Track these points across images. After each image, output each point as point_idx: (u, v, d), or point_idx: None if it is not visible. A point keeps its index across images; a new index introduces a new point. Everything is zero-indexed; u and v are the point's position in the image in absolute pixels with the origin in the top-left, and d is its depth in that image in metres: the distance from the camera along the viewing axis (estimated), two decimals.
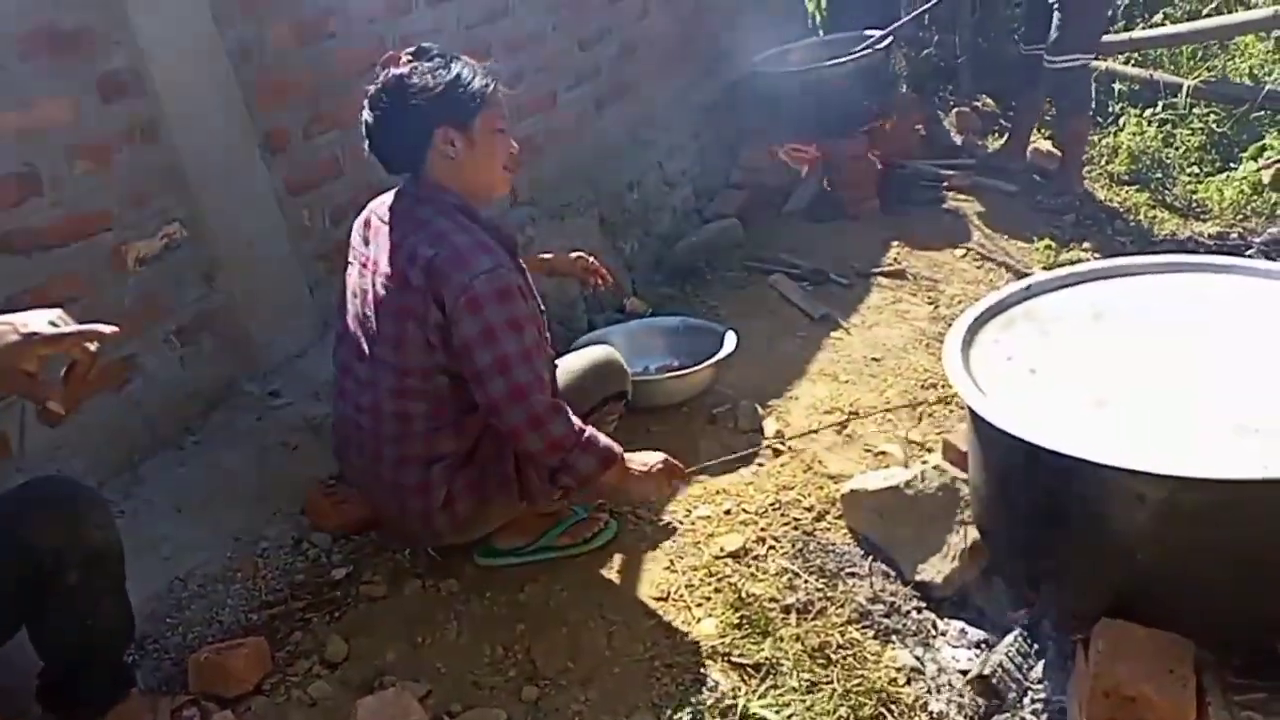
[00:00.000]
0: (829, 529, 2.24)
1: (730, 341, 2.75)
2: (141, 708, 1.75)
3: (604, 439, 1.90)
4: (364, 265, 1.98)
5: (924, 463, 2.29)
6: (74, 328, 1.27)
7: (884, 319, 3.15)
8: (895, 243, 3.64)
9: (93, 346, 1.28)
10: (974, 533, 2.04)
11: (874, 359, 2.93)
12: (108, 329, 1.29)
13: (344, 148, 2.73)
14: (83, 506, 1.56)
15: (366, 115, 1.90)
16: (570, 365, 2.17)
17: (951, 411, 2.65)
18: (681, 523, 2.26)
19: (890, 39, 4.21)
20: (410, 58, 1.89)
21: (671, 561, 2.13)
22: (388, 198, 1.99)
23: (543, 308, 2.03)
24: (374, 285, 1.91)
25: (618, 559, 2.16)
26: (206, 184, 2.33)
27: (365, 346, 1.94)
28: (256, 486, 2.32)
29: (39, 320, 1.25)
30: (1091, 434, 1.64)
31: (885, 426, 2.61)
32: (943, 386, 2.77)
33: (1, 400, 1.99)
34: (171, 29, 2.21)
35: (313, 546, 2.26)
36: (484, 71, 1.90)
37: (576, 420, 1.87)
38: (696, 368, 2.68)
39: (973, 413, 1.77)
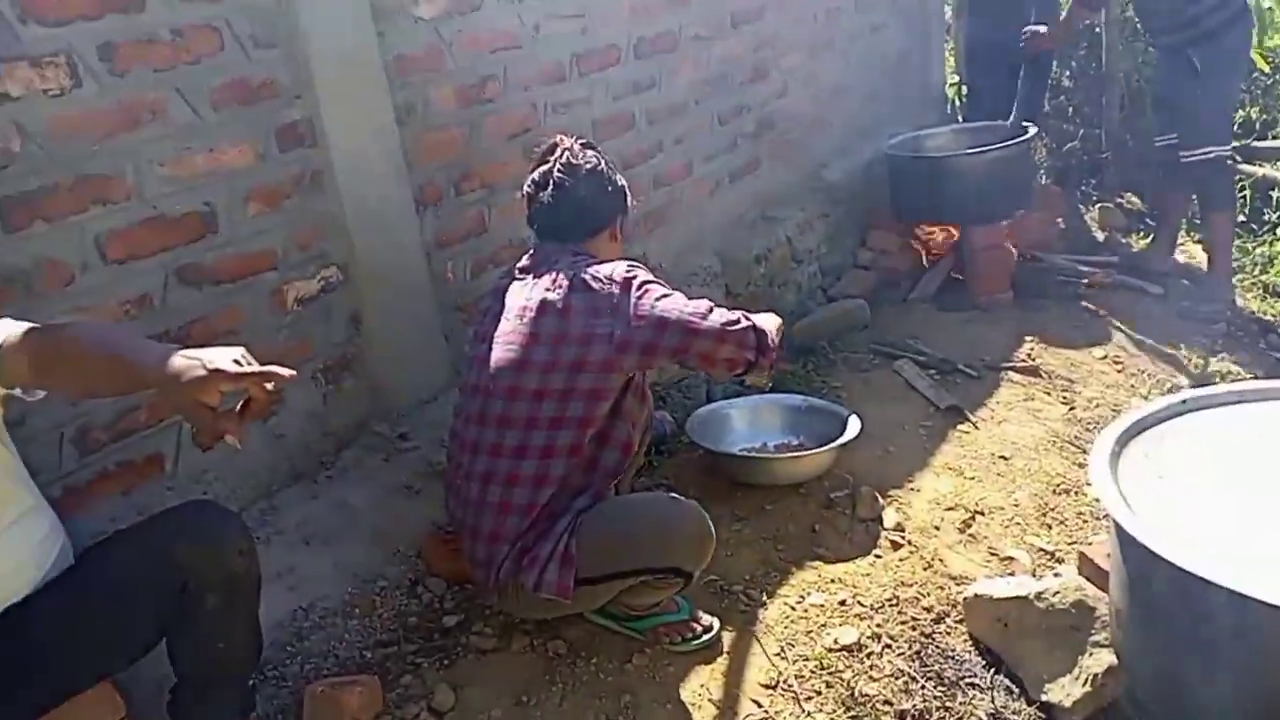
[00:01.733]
0: (949, 633, 2.15)
1: (854, 426, 2.70)
2: None
3: (765, 330, 2.02)
4: (500, 316, 2.07)
5: (1056, 574, 2.18)
6: (255, 368, 1.33)
7: (1015, 416, 3.05)
8: (1029, 338, 3.53)
9: (270, 386, 1.35)
10: (1110, 657, 1.92)
11: (1002, 457, 2.82)
12: (286, 372, 1.35)
13: (489, 205, 2.84)
14: (230, 534, 1.63)
15: (563, 180, 2.09)
16: (647, 510, 2.06)
17: (1085, 522, 2.53)
18: (794, 609, 2.20)
19: (1034, 131, 4.14)
20: (583, 146, 2.15)
21: (782, 649, 2.08)
22: (522, 260, 2.15)
23: None
24: (510, 322, 2.03)
25: (727, 639, 2.12)
26: (363, 232, 2.45)
27: (484, 380, 2.02)
28: (379, 526, 2.38)
29: (224, 358, 1.32)
30: (1253, 565, 1.53)
31: (1012, 529, 2.51)
32: (1076, 494, 2.65)
33: (160, 423, 2.11)
34: (347, 86, 2.35)
35: (427, 591, 2.30)
36: None
37: (742, 317, 2.00)
38: (818, 449, 2.64)
39: (1120, 530, 1.68)
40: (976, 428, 2.98)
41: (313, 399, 2.43)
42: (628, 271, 1.99)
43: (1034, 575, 2.28)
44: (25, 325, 1.45)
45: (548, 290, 2.00)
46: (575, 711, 1.95)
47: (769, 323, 2.09)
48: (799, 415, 2.90)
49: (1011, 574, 2.32)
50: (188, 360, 1.31)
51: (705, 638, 2.09)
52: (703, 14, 3.55)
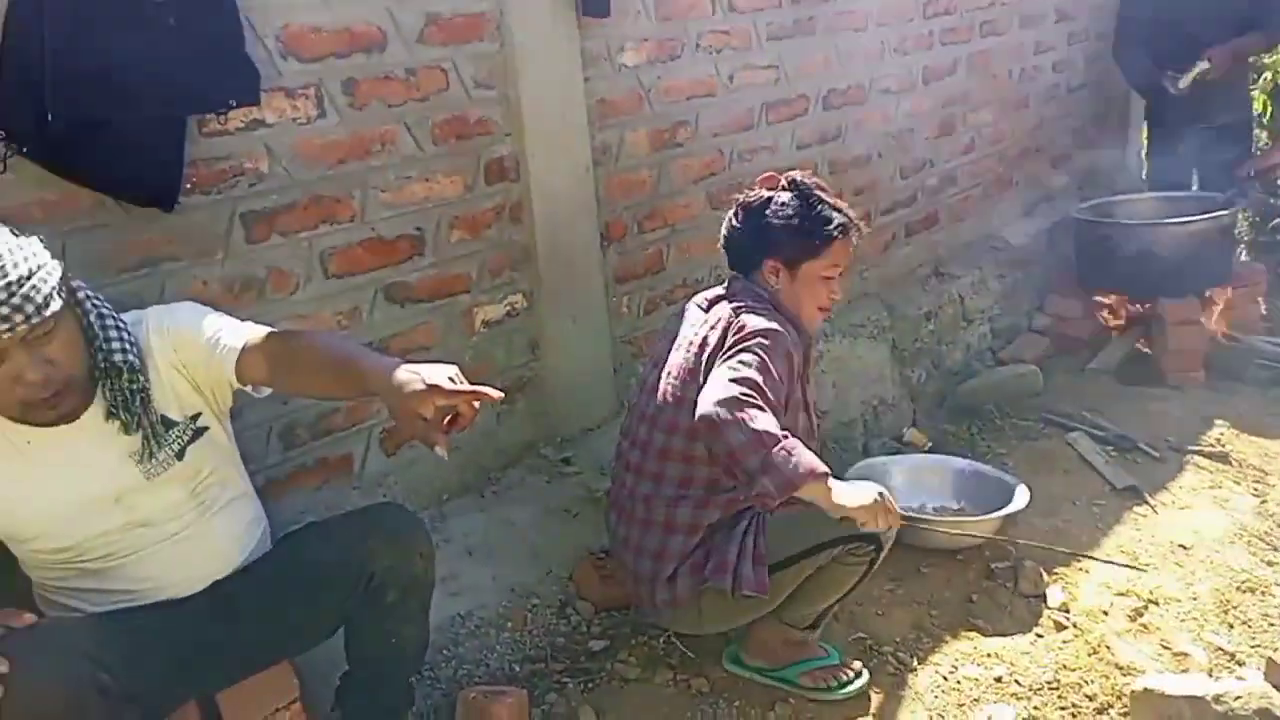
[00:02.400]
0: None
1: (1022, 496, 2.61)
2: None
3: (799, 462, 1.75)
4: (673, 343, 2.14)
5: (1238, 677, 2.04)
6: (468, 387, 1.45)
7: (1198, 503, 2.86)
8: (1220, 422, 3.30)
9: (477, 405, 1.46)
10: None
11: (1181, 545, 2.66)
12: (494, 394, 1.46)
13: (669, 245, 2.93)
14: (417, 537, 1.75)
15: (730, 216, 2.18)
16: None
17: (1272, 625, 2.35)
18: (945, 679, 2.15)
19: (1238, 205, 3.91)
20: (785, 186, 2.13)
21: (931, 718, 2.03)
22: (714, 289, 2.20)
23: (809, 401, 2.17)
24: (679, 354, 2.09)
25: (874, 701, 2.09)
26: (551, 263, 2.58)
27: (650, 410, 2.09)
28: (536, 545, 2.48)
29: (440, 375, 1.44)
30: None
31: (1189, 624, 2.36)
32: (1264, 594, 2.46)
33: (354, 427, 2.28)
34: (552, 127, 2.49)
35: (575, 614, 2.38)
36: (841, 220, 2.10)
37: (771, 437, 1.76)
38: (984, 517, 2.57)
39: None
40: (1155, 512, 2.82)
41: (487, 417, 2.57)
42: (750, 335, 1.94)
43: (1211, 675, 2.13)
44: (266, 329, 1.62)
45: (711, 328, 2.05)
46: None
47: (857, 494, 1.81)
48: (963, 479, 2.83)
49: (1185, 671, 2.18)
50: (409, 374, 1.44)
51: (857, 683, 2.08)
52: (894, 69, 3.56)
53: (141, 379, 1.54)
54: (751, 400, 1.80)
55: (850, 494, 1.82)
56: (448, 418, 1.45)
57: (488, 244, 2.46)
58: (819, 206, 2.10)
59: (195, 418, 1.64)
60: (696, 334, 2.08)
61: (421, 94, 2.22)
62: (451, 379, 1.44)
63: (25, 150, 1.63)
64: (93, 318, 1.51)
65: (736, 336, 1.96)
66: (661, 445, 2.05)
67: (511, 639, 2.28)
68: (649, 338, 2.95)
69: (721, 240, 2.21)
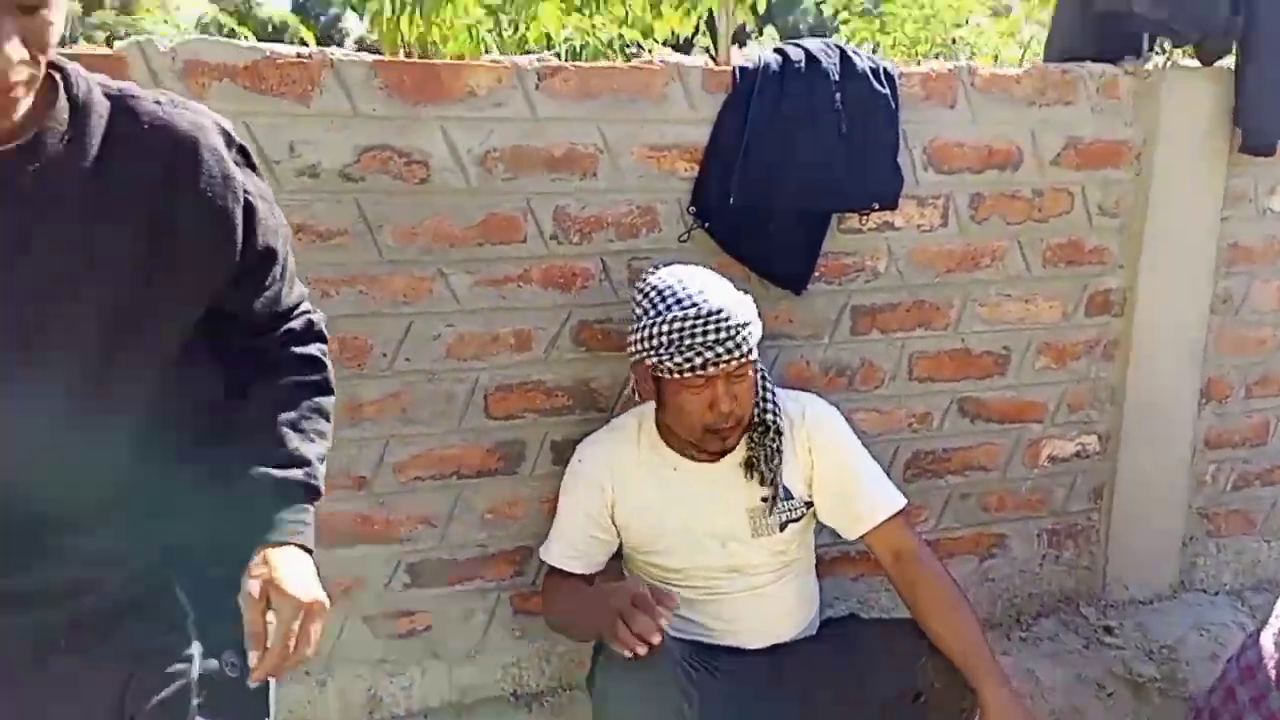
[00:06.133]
0: None
1: None
2: None
3: None
4: None
5: None
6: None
7: None
8: None
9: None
10: None
11: None
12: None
13: (1278, 417, 2.52)
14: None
15: None
16: None
17: None
18: None
19: None
20: None
21: None
22: None
23: None
24: None
25: None
26: (1136, 410, 2.35)
27: None
28: (1060, 710, 2.23)
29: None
30: None
31: None
32: None
33: None
34: (1173, 266, 2.29)
35: None
36: None
37: None
38: None
39: None
40: None
41: (1030, 557, 2.40)
42: None
43: None
44: (903, 509, 1.74)
45: None
46: None
47: None
48: None
49: None
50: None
51: None
52: None
53: (780, 441, 1.68)
54: None
55: None
56: None
57: (1072, 376, 2.32)
58: None
59: (808, 504, 1.76)
60: None
61: (1043, 215, 2.18)
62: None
63: (707, 225, 1.90)
64: (759, 376, 1.68)
65: None
66: None
67: None
68: (1230, 517, 2.56)
69: None
